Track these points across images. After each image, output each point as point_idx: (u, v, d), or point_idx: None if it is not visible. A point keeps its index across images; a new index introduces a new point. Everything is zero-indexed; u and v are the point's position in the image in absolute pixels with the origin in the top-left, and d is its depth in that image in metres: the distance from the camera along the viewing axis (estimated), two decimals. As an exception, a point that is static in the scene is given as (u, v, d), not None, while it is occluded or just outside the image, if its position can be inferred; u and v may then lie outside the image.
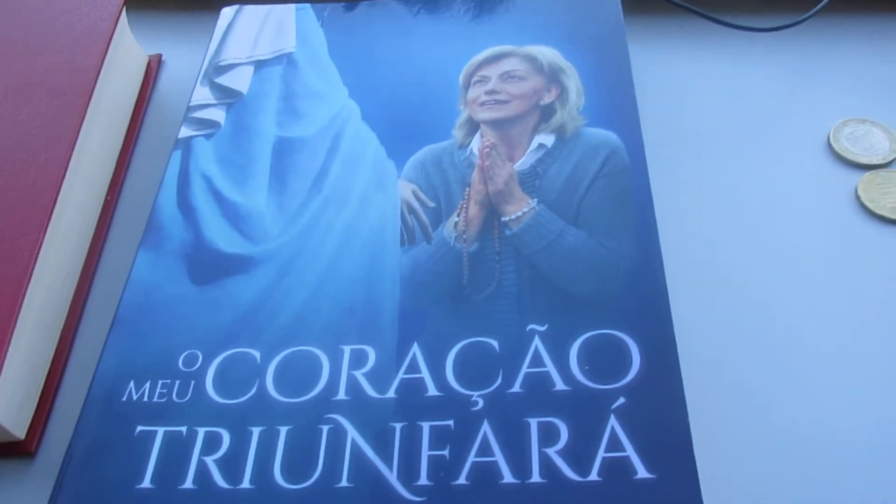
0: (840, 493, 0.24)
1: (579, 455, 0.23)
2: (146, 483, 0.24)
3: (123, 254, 0.32)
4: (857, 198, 0.33)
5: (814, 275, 0.30)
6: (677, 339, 0.25)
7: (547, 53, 0.34)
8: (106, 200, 0.34)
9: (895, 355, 0.28)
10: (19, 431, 0.28)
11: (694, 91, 0.37)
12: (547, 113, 0.31)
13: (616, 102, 0.31)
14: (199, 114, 0.34)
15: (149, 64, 0.40)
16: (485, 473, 0.23)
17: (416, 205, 0.29)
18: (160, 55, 0.41)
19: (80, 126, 0.32)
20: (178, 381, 0.26)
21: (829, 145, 0.35)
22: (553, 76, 0.33)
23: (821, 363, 0.27)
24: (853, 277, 0.30)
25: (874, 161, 0.34)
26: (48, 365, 0.29)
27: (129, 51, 0.39)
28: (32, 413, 0.28)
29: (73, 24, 0.36)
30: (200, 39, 0.40)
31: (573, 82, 0.32)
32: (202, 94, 0.35)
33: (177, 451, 0.24)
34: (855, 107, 0.36)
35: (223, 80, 0.35)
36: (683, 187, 0.33)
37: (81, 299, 0.31)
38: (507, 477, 0.23)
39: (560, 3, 0.36)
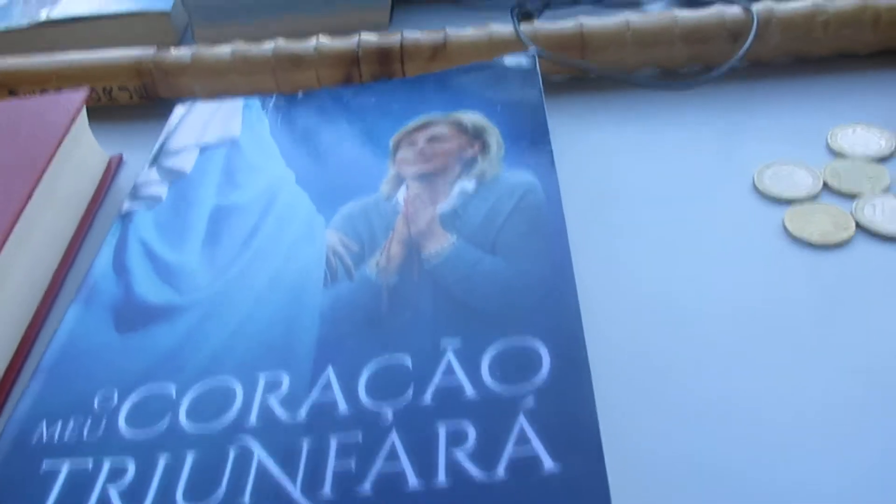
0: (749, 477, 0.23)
1: (486, 454, 0.22)
2: (43, 517, 0.23)
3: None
4: (784, 228, 0.33)
5: (738, 290, 0.30)
6: (588, 348, 0.24)
7: (471, 116, 0.36)
8: (49, 286, 0.35)
9: (819, 357, 0.27)
10: (-69, 491, 0.27)
11: (613, 148, 0.38)
12: (469, 164, 0.33)
13: (533, 150, 0.33)
14: (143, 191, 0.36)
15: (109, 162, 0.43)
16: (390, 481, 0.22)
17: (340, 249, 0.30)
18: (121, 154, 0.43)
19: (24, 207, 0.33)
20: (90, 419, 0.25)
21: (755, 186, 0.36)
22: (476, 134, 0.34)
23: (736, 357, 0.27)
24: (780, 296, 0.30)
25: (799, 195, 0.35)
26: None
27: (89, 149, 0.41)
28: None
29: (36, 121, 0.38)
30: (154, 143, 0.43)
31: (494, 138, 0.34)
32: (148, 175, 0.37)
33: (80, 483, 0.24)
34: (776, 153, 0.37)
35: (169, 162, 0.37)
36: (599, 225, 0.33)
37: (17, 365, 0.31)
38: (412, 482, 0.22)
39: (485, 79, 0.38)
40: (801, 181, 0.36)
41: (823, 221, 0.33)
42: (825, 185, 0.35)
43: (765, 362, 0.27)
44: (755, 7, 0.42)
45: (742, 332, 0.29)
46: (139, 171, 0.42)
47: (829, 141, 0.38)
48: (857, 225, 0.33)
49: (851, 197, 0.35)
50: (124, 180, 0.42)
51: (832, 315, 0.29)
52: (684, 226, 0.34)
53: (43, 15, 0.52)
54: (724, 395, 0.26)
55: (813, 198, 0.35)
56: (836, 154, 0.37)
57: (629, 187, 0.36)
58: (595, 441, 0.21)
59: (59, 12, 0.53)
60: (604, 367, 0.27)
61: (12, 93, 0.46)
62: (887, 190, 0.35)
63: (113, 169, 0.43)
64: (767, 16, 0.42)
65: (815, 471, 0.24)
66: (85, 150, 0.41)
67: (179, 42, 0.54)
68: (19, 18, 0.53)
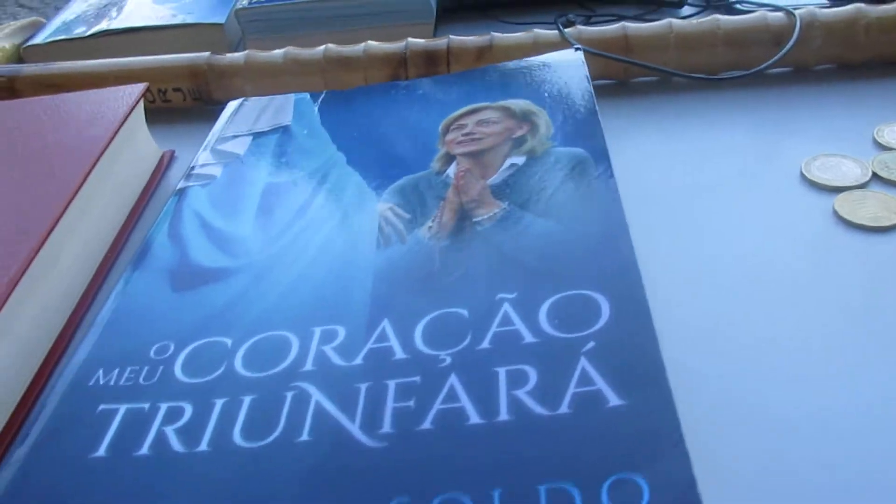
0: (803, 410, 0.22)
1: (548, 393, 0.22)
2: (100, 453, 0.23)
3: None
4: (835, 212, 0.33)
5: (790, 272, 0.30)
6: (650, 303, 0.24)
7: (519, 102, 0.36)
8: (106, 256, 0.36)
9: (871, 341, 0.27)
10: (-16, 441, 0.27)
11: (662, 145, 0.39)
12: (518, 142, 0.33)
13: (583, 128, 0.33)
14: (198, 171, 0.36)
15: (162, 156, 0.44)
16: (450, 418, 0.22)
17: (392, 217, 0.30)
18: (173, 150, 0.45)
19: (82, 184, 0.34)
20: (146, 367, 0.26)
21: (803, 176, 0.36)
22: (524, 117, 0.35)
23: (786, 323, 0.26)
24: (834, 279, 0.29)
25: (847, 184, 0.35)
26: (30, 378, 0.29)
27: (144, 141, 0.42)
28: (3, 424, 0.28)
29: (97, 109, 0.40)
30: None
31: (543, 120, 0.34)
32: (204, 157, 0.38)
33: (136, 424, 0.24)
34: (821, 148, 0.37)
35: (223, 146, 0.38)
36: (656, 214, 0.33)
37: (75, 323, 0.32)
38: (474, 419, 0.21)
39: (531, 71, 0.39)
40: (849, 171, 0.35)
41: (874, 207, 0.33)
42: (874, 174, 0.35)
43: (814, 330, 0.27)
44: (798, 12, 0.43)
45: (794, 308, 0.28)
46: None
47: (876, 136, 0.38)
48: (910, 210, 0.33)
49: (902, 185, 0.34)
50: (176, 173, 0.43)
51: (885, 292, 0.29)
52: (737, 211, 0.34)
53: (104, 25, 0.55)
54: (776, 353, 0.26)
55: (862, 186, 0.35)
56: (883, 147, 0.37)
57: (681, 180, 0.36)
58: (661, 378, 0.21)
59: (118, 23, 0.55)
60: (665, 328, 0.27)
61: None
62: (938, 179, 0.34)
63: (165, 163, 0.44)
64: (810, 20, 0.42)
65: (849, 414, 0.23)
66: (140, 142, 0.42)
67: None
68: (78, 30, 0.55)
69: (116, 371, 0.26)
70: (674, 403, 0.20)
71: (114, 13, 0.58)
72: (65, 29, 0.56)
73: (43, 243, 0.30)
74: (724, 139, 0.39)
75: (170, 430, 0.23)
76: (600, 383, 0.21)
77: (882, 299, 0.28)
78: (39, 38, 0.55)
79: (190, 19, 0.55)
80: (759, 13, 0.43)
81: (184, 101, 0.48)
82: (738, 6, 0.50)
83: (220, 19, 0.54)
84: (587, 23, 0.52)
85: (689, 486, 0.18)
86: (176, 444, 0.23)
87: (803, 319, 0.28)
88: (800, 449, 0.23)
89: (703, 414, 0.24)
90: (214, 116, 0.48)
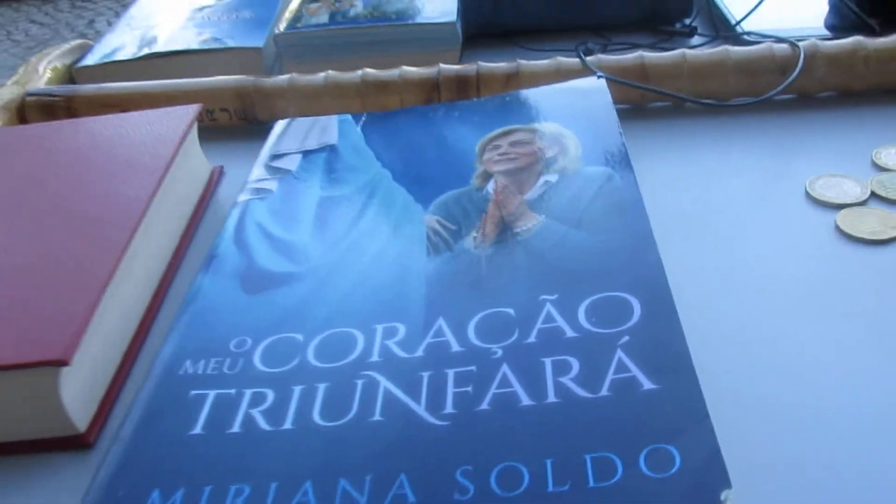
0: (807, 403, 0.26)
1: (589, 379, 0.25)
2: (197, 430, 0.26)
3: (186, 285, 0.37)
4: (837, 227, 0.37)
5: (797, 280, 0.33)
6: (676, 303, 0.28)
7: (549, 125, 0.40)
8: (171, 261, 0.39)
9: (871, 343, 0.30)
10: (82, 424, 0.30)
11: (676, 166, 0.42)
12: (551, 161, 0.37)
13: (608, 149, 0.37)
14: (255, 185, 0.40)
15: (212, 171, 0.47)
16: (504, 400, 0.25)
17: (439, 228, 0.34)
18: (222, 166, 0.48)
19: (153, 196, 0.38)
20: (228, 359, 0.29)
21: (807, 194, 0.39)
22: (555, 139, 0.39)
23: (794, 327, 0.30)
24: (836, 286, 0.33)
25: (848, 201, 0.38)
26: (115, 368, 0.33)
27: (197, 158, 0.46)
28: (95, 409, 0.31)
29: (157, 128, 0.43)
30: (253, 158, 0.47)
31: (572, 141, 0.38)
32: (258, 173, 0.41)
33: (226, 407, 0.27)
34: (824, 168, 0.41)
35: (276, 163, 0.42)
36: (674, 227, 0.37)
37: (153, 311, 0.35)
38: (525, 401, 0.25)
39: (558, 97, 0.43)
40: (850, 190, 0.39)
41: (873, 222, 0.37)
42: (872, 193, 0.39)
43: (818, 333, 0.30)
44: (802, 44, 0.46)
45: (800, 313, 0.32)
46: (239, 178, 0.47)
47: (874, 158, 0.41)
48: (904, 225, 0.36)
49: (897, 203, 0.38)
50: (225, 186, 0.47)
51: (882, 298, 0.32)
52: (748, 225, 0.37)
53: (148, 49, 0.58)
54: (783, 350, 0.29)
55: (862, 203, 0.38)
56: (881, 168, 0.41)
57: (696, 197, 0.40)
58: (688, 365, 0.24)
59: (162, 47, 0.58)
60: (688, 326, 0.30)
61: (123, 112, 0.52)
62: (930, 198, 0.38)
63: (216, 177, 0.47)
64: (813, 51, 0.46)
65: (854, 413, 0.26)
66: (194, 158, 0.45)
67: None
68: (126, 52, 0.59)
69: (202, 362, 0.29)
70: (699, 387, 0.24)
71: (156, 37, 0.61)
72: (111, 52, 0.60)
73: (126, 247, 0.34)
74: (735, 160, 0.42)
75: (256, 412, 0.27)
76: (635, 370, 0.25)
77: (881, 305, 0.32)
78: (90, 60, 0.59)
79: (230, 43, 0.58)
80: (766, 45, 0.47)
81: (230, 121, 0.52)
82: (745, 37, 0.53)
83: (259, 43, 0.58)
84: (604, 51, 0.55)
85: (715, 454, 0.21)
86: (263, 424, 0.26)
87: (808, 323, 0.31)
88: (799, 434, 0.26)
89: (718, 398, 0.27)
90: (258, 134, 0.51)
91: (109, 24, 3.16)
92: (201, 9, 0.65)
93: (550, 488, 0.22)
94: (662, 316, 0.27)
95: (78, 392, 0.31)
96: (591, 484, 0.22)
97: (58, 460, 0.30)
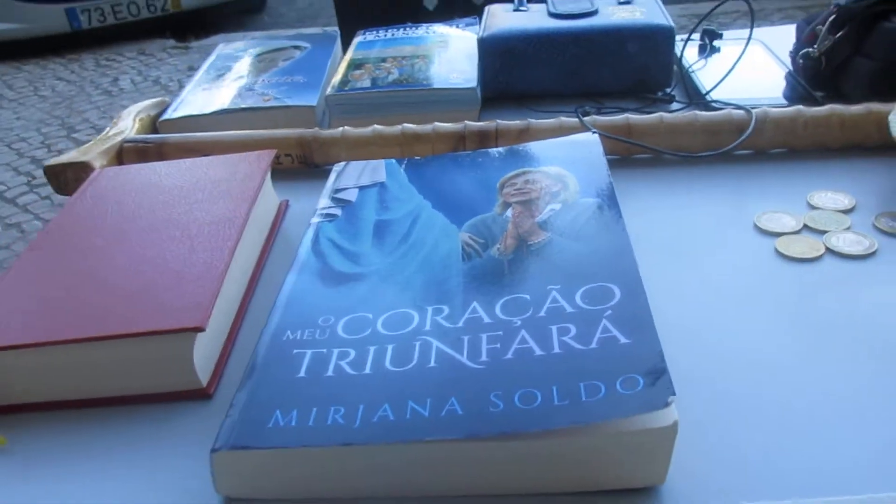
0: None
1: (583, 337, 0.35)
2: (301, 374, 0.37)
3: (271, 280, 0.48)
4: (776, 249, 0.48)
5: (746, 287, 0.44)
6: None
7: (553, 168, 0.51)
8: (254, 268, 0.50)
9: (800, 338, 0.41)
10: (204, 380, 0.41)
11: (652, 203, 0.53)
12: (555, 195, 0.48)
13: (600, 187, 0.48)
14: (323, 211, 0.51)
15: (280, 204, 0.59)
16: (523, 352, 0.35)
17: (470, 242, 0.45)
18: (287, 200, 0.59)
19: (246, 222, 0.49)
20: (318, 329, 0.40)
21: (755, 225, 0.50)
22: (558, 178, 0.50)
23: (738, 321, 0.41)
24: (774, 293, 0.44)
25: (786, 231, 0.49)
26: (224, 337, 0.43)
27: (270, 192, 0.57)
28: (212, 368, 0.42)
29: (243, 168, 0.55)
30: (311, 193, 0.59)
31: (571, 181, 0.49)
32: (325, 202, 0.52)
33: (320, 360, 0.37)
34: (769, 206, 0.52)
35: (339, 195, 0.53)
36: (653, 241, 0.48)
37: (247, 300, 0.46)
38: (538, 352, 0.35)
39: (561, 146, 0.54)
40: (787, 222, 0.50)
41: (803, 246, 0.48)
42: (805, 225, 0.50)
43: (758, 323, 0.41)
44: (754, 111, 0.58)
45: (747, 314, 0.42)
46: (301, 209, 0.58)
47: (808, 199, 0.52)
48: (826, 248, 0.47)
49: (822, 233, 0.49)
50: (290, 215, 0.58)
51: (809, 303, 0.43)
52: (708, 247, 0.48)
53: (218, 105, 0.70)
54: (727, 342, 0.40)
55: (796, 232, 0.49)
56: (812, 207, 0.52)
57: (668, 226, 0.51)
58: (652, 328, 0.35)
59: (231, 104, 0.70)
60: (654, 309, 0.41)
61: (204, 156, 0.63)
62: (847, 230, 0.49)
63: (283, 208, 0.58)
64: (763, 117, 0.58)
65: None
66: (268, 193, 0.57)
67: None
68: (201, 108, 0.71)
69: (299, 332, 0.40)
70: (659, 341, 0.34)
71: (223, 95, 0.73)
72: (187, 108, 0.72)
73: (234, 248, 0.45)
74: (700, 199, 0.54)
75: (343, 363, 0.37)
76: (615, 332, 0.35)
77: (805, 305, 0.42)
78: (172, 115, 0.71)
79: (289, 102, 0.70)
80: (726, 111, 0.59)
81: (292, 164, 0.63)
82: (713, 104, 0.65)
83: (312, 102, 0.70)
84: (598, 113, 0.67)
85: (665, 376, 0.32)
86: (349, 370, 0.36)
87: (752, 322, 0.42)
88: (730, 375, 0.36)
89: (671, 348, 0.38)
90: (315, 175, 0.63)
91: (133, 82, 3.34)
92: (261, 75, 0.78)
93: (556, 403, 0.32)
94: (634, 297, 0.37)
95: (202, 354, 0.41)
96: (584, 399, 0.32)
97: (184, 408, 0.41)
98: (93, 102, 3.17)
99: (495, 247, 0.44)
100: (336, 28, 1.36)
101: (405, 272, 0.43)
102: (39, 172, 2.60)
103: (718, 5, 0.75)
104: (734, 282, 0.45)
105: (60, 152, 2.73)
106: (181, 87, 3.23)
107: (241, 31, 3.91)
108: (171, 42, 3.81)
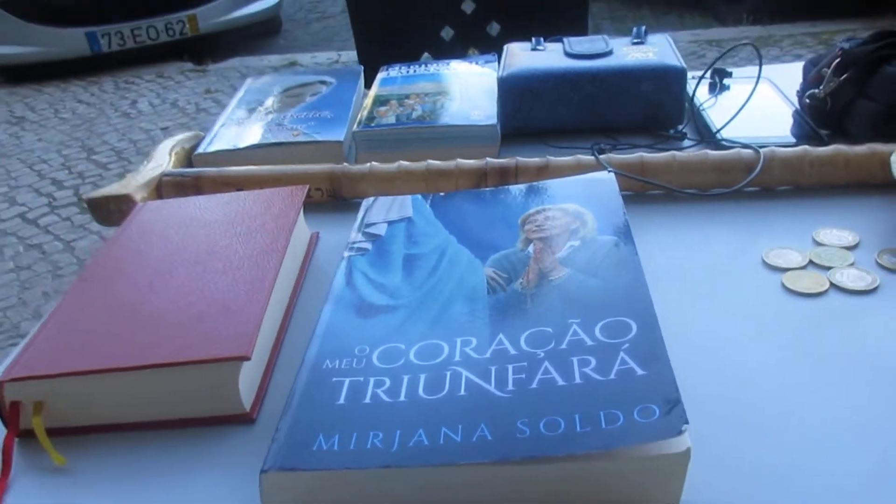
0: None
1: (603, 369, 0.38)
2: (341, 401, 0.40)
3: (305, 310, 0.51)
4: (783, 284, 0.50)
5: (754, 319, 0.47)
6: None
7: (572, 206, 0.54)
8: (290, 299, 0.53)
9: (805, 367, 0.44)
10: (248, 405, 0.44)
11: (666, 238, 0.56)
12: (574, 232, 0.51)
13: (616, 224, 0.51)
14: (355, 245, 0.54)
15: (311, 236, 0.62)
16: (546, 382, 0.38)
17: (494, 276, 0.48)
18: (318, 232, 0.63)
19: (285, 250, 0.52)
20: (355, 359, 0.43)
21: (763, 260, 0.53)
22: (577, 216, 0.53)
23: (748, 353, 0.43)
24: (781, 325, 0.47)
25: (792, 266, 0.52)
26: (264, 366, 0.46)
27: (302, 225, 0.60)
28: (255, 393, 0.45)
29: (283, 207, 0.58)
30: (340, 226, 0.62)
31: (589, 217, 0.52)
32: (356, 237, 0.55)
33: (358, 387, 0.40)
34: (777, 243, 0.55)
35: (369, 230, 0.56)
36: (665, 274, 0.51)
37: (284, 329, 0.49)
38: (560, 382, 0.38)
39: (578, 183, 0.57)
40: (794, 258, 0.53)
41: (808, 281, 0.50)
42: (810, 261, 0.53)
43: (766, 355, 0.44)
44: (763, 150, 0.61)
45: (755, 346, 0.45)
46: (331, 241, 0.61)
47: (814, 236, 0.55)
48: (831, 284, 0.50)
49: (827, 269, 0.52)
50: (321, 247, 0.61)
51: (814, 336, 0.46)
52: (718, 282, 0.51)
53: (251, 140, 0.74)
54: (741, 377, 0.43)
55: (802, 268, 0.52)
56: (818, 244, 0.55)
57: (680, 261, 0.54)
58: (666, 360, 0.38)
59: (263, 140, 0.74)
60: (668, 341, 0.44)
61: (239, 189, 0.67)
62: (851, 266, 0.52)
63: (314, 240, 0.62)
64: (771, 156, 0.61)
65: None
66: (301, 226, 0.60)
67: (343, 163, 0.74)
68: (233, 142, 0.75)
69: (337, 361, 0.43)
70: (673, 373, 0.37)
71: (254, 130, 0.77)
72: (221, 142, 0.75)
73: (274, 282, 0.48)
74: (710, 235, 0.57)
75: (379, 391, 0.40)
76: (632, 364, 0.38)
77: (810, 337, 0.45)
78: (207, 149, 0.74)
79: (318, 137, 0.74)
80: (736, 150, 0.62)
81: (322, 197, 0.66)
82: (723, 142, 0.68)
83: (340, 138, 0.74)
84: (613, 149, 0.71)
85: (679, 406, 0.34)
86: (385, 397, 0.39)
87: (761, 353, 0.45)
88: (737, 400, 0.39)
89: (684, 379, 0.40)
90: (343, 208, 0.66)
91: (151, 104, 3.40)
92: (289, 111, 0.81)
93: (578, 430, 0.35)
94: (650, 331, 0.40)
95: (246, 380, 0.44)
96: (604, 426, 0.35)
97: (229, 432, 0.44)
98: (112, 125, 3.24)
99: (518, 281, 0.47)
100: (357, 61, 1.41)
101: (434, 305, 0.46)
102: (60, 194, 2.66)
103: (728, 51, 0.78)
104: (743, 315, 0.48)
105: (80, 174, 2.79)
106: (198, 109, 3.31)
107: (258, 55, 3.99)
108: (189, 65, 3.88)
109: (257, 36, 4.27)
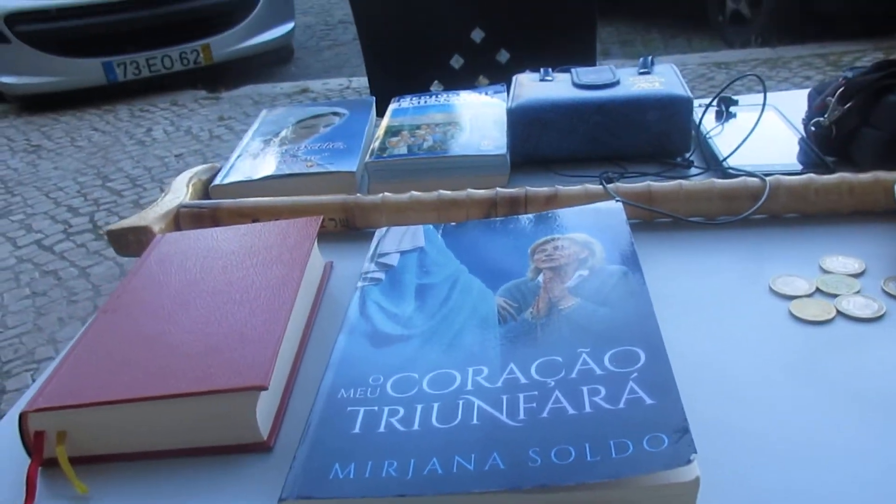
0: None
1: (612, 398, 0.39)
2: (357, 430, 0.40)
3: (320, 338, 0.52)
4: (790, 312, 0.51)
5: (761, 346, 0.48)
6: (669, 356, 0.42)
7: (581, 235, 0.55)
8: (305, 328, 0.55)
9: (809, 391, 0.44)
10: (265, 434, 0.45)
11: (672, 266, 0.57)
12: (583, 261, 0.52)
13: (624, 254, 0.52)
14: (368, 275, 0.56)
15: (325, 265, 0.63)
16: (557, 411, 0.39)
17: (505, 306, 0.49)
18: (332, 261, 0.64)
19: (301, 281, 0.53)
20: (369, 388, 0.44)
21: (770, 288, 0.54)
22: (585, 245, 0.54)
23: (755, 381, 0.44)
24: (787, 353, 0.47)
25: (799, 294, 0.53)
26: (280, 395, 0.47)
27: (316, 255, 0.62)
28: (271, 422, 0.46)
29: (298, 238, 0.59)
30: (353, 255, 0.63)
31: (598, 247, 0.53)
32: (369, 267, 0.57)
33: (372, 417, 0.41)
34: (783, 270, 0.56)
35: (382, 260, 0.57)
36: (673, 302, 0.52)
37: (299, 358, 0.50)
38: (570, 411, 0.39)
39: (586, 213, 0.59)
40: (801, 286, 0.54)
41: (816, 309, 0.51)
42: (817, 289, 0.53)
43: (773, 382, 0.45)
44: (768, 179, 0.62)
45: (763, 373, 0.46)
46: (344, 270, 0.63)
47: (821, 263, 0.56)
48: (837, 311, 0.51)
49: (834, 296, 0.52)
50: (335, 276, 0.62)
51: (820, 363, 0.46)
52: (726, 309, 0.52)
53: (265, 171, 0.76)
54: (745, 401, 0.43)
55: (809, 295, 0.53)
56: (825, 271, 0.55)
57: (688, 289, 0.55)
58: (674, 390, 0.39)
59: (277, 171, 0.76)
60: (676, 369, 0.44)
61: (255, 221, 0.68)
62: (857, 293, 0.52)
63: (328, 269, 0.63)
64: (776, 184, 0.62)
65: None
66: (315, 256, 0.61)
67: (357, 192, 0.76)
68: (249, 174, 0.76)
69: (352, 390, 0.44)
70: (681, 402, 0.38)
71: (269, 161, 0.79)
72: (237, 173, 0.77)
73: (290, 312, 0.49)
74: (717, 262, 0.57)
75: (393, 420, 0.41)
76: (641, 393, 0.39)
77: (817, 364, 0.46)
78: (223, 181, 0.76)
79: (331, 168, 0.75)
80: (742, 178, 0.63)
81: (335, 227, 0.68)
82: (730, 170, 0.69)
83: (352, 168, 0.75)
84: (621, 177, 0.72)
85: (687, 436, 0.35)
86: (399, 426, 0.40)
87: (768, 380, 0.45)
88: (742, 428, 0.40)
89: (692, 409, 0.41)
90: (356, 237, 0.67)
91: (165, 132, 3.45)
92: (303, 142, 0.83)
93: (589, 459, 0.36)
94: (658, 360, 0.41)
95: (263, 410, 0.45)
96: (614, 455, 0.36)
97: (247, 460, 0.45)
98: (127, 152, 3.28)
99: (528, 311, 0.48)
100: (368, 86, 1.43)
101: (447, 334, 0.47)
102: (76, 220, 2.69)
103: (734, 81, 0.80)
104: (751, 343, 0.48)
105: (96, 201, 2.83)
106: (211, 136, 3.35)
107: (270, 83, 4.04)
108: (203, 93, 3.94)
109: (270, 64, 4.34)
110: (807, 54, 3.51)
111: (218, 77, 4.06)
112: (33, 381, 1.90)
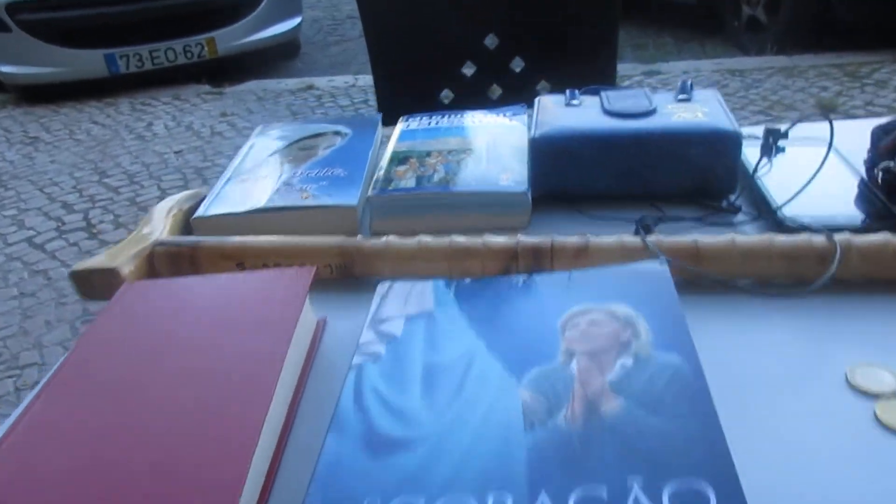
0: None
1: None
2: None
3: (305, 431, 0.43)
4: (876, 418, 0.42)
5: (837, 462, 0.39)
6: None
7: (621, 308, 0.46)
8: (290, 404, 0.46)
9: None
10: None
11: (721, 341, 0.48)
12: (626, 345, 0.43)
13: (675, 337, 0.43)
14: (366, 348, 0.47)
15: (318, 322, 0.54)
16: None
17: (532, 403, 0.40)
18: (325, 317, 0.55)
19: (285, 356, 0.44)
20: (363, 516, 0.35)
21: (847, 381, 0.45)
22: (627, 322, 0.45)
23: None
24: (873, 470, 0.38)
25: (884, 390, 0.44)
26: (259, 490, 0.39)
27: (307, 311, 0.53)
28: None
29: (287, 295, 0.50)
30: (350, 310, 0.54)
31: (642, 325, 0.44)
32: (368, 336, 0.48)
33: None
34: (860, 355, 0.47)
35: (383, 327, 0.48)
36: (725, 391, 0.43)
37: (281, 450, 0.41)
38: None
39: (626, 277, 0.49)
40: (886, 381, 0.45)
41: (906, 412, 0.42)
42: (906, 383, 0.44)
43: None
44: (837, 238, 0.53)
45: (841, 488, 0.37)
46: (339, 329, 0.54)
47: (906, 347, 0.47)
48: (935, 416, 0.42)
49: (928, 394, 0.43)
50: (329, 336, 0.53)
51: (920, 484, 0.37)
52: (791, 405, 0.43)
53: (254, 203, 0.67)
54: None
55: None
56: (912, 358, 0.46)
57: (740, 374, 0.46)
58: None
59: (267, 202, 0.67)
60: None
61: (240, 265, 0.59)
62: (957, 390, 0.43)
63: (320, 328, 0.54)
64: (847, 245, 0.53)
65: None
66: (305, 313, 0.52)
67: (358, 230, 0.67)
68: (236, 206, 0.67)
69: (341, 518, 0.35)
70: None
71: (259, 190, 0.70)
72: (222, 204, 0.68)
73: (269, 405, 0.40)
74: (778, 340, 0.48)
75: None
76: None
77: (915, 493, 0.37)
78: (206, 212, 0.67)
79: (329, 202, 0.66)
80: (806, 236, 0.54)
81: (330, 274, 0.59)
82: (786, 222, 0.60)
83: (353, 202, 0.66)
84: (658, 223, 0.63)
85: None
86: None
87: (848, 498, 0.36)
88: None
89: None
90: (354, 287, 0.59)
91: (166, 127, 3.36)
92: (299, 167, 0.74)
93: None
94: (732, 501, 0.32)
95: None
96: None
97: None
98: (126, 147, 3.19)
99: (561, 413, 0.39)
100: (373, 85, 1.34)
101: (460, 440, 0.39)
102: (69, 218, 2.61)
103: (796, 123, 0.70)
104: (826, 448, 0.40)
105: (91, 198, 2.74)
106: (213, 132, 3.26)
107: (275, 78, 3.95)
108: (206, 87, 3.85)
109: (275, 59, 4.24)
110: (823, 64, 3.41)
111: (222, 71, 3.97)
112: (16, 388, 1.82)
